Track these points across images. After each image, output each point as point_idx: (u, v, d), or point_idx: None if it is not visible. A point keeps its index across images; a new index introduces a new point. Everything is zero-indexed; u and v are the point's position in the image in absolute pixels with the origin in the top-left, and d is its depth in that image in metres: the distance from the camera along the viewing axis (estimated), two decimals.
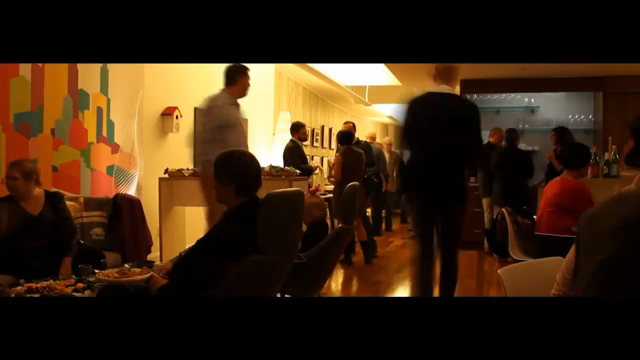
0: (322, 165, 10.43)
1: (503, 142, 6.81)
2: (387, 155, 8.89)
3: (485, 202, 6.74)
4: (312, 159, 10.50)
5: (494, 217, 4.56)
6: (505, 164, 6.17)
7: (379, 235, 8.43)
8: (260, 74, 8.02)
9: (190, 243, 5.68)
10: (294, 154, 6.52)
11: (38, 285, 2.64)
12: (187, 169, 5.20)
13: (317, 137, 11.17)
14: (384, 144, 9.38)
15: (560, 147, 6.16)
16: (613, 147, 6.01)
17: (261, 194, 2.33)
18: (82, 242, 3.82)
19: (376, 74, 9.24)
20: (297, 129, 6.76)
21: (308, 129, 10.59)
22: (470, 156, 3.50)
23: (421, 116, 3.42)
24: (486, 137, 7.07)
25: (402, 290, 4.98)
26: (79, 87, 4.67)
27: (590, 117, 7.47)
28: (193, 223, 5.62)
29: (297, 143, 6.69)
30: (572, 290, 1.41)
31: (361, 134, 15.84)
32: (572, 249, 1.45)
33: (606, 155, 6.04)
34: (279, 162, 6.49)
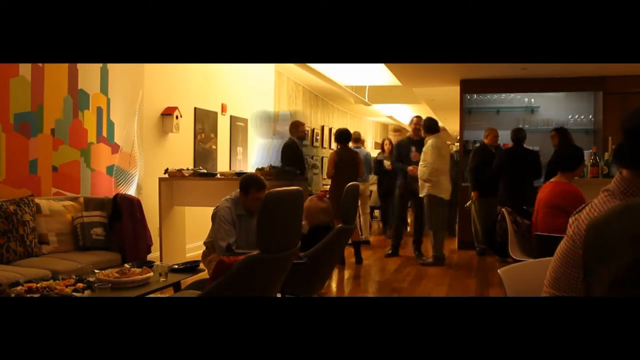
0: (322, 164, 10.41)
1: (504, 142, 6.83)
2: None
3: (480, 202, 6.72)
4: (313, 159, 10.50)
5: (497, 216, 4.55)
6: (513, 163, 6.16)
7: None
8: (260, 74, 8.03)
9: (190, 243, 5.70)
10: (292, 152, 6.54)
11: (38, 285, 2.64)
12: (187, 169, 5.20)
13: (317, 137, 11.17)
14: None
15: (560, 147, 6.18)
16: (613, 147, 6.00)
17: None
18: None
19: (376, 74, 9.24)
20: (296, 127, 6.78)
21: (308, 129, 10.59)
22: None
23: None
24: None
25: (402, 290, 4.98)
26: (79, 87, 4.68)
27: (590, 117, 7.47)
28: (193, 223, 5.62)
29: (295, 141, 6.70)
30: (566, 293, 1.40)
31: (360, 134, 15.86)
32: (559, 251, 1.45)
33: (606, 155, 6.04)
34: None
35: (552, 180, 3.85)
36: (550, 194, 3.68)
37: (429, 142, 6.05)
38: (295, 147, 6.61)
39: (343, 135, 6.28)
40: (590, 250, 1.14)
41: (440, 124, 6.92)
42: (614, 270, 1.02)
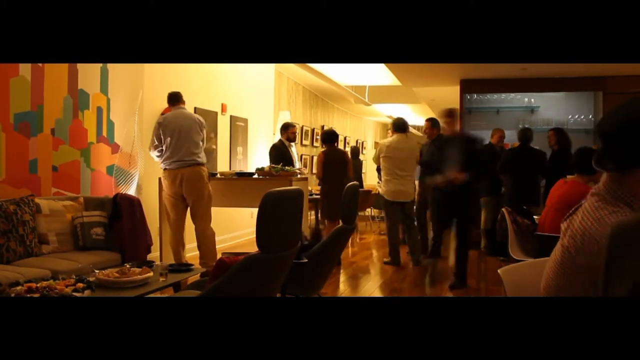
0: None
1: (504, 142, 6.85)
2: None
3: (483, 201, 6.74)
4: (312, 159, 10.49)
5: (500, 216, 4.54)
6: (519, 162, 6.16)
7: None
8: (260, 74, 8.03)
9: (190, 243, 5.69)
10: (278, 152, 6.53)
11: (38, 285, 2.64)
12: None
13: (317, 137, 11.16)
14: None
15: (557, 147, 6.20)
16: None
17: (261, 193, 2.34)
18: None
19: (376, 74, 9.24)
20: (285, 128, 6.78)
21: (308, 129, 10.58)
22: None
23: None
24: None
25: (402, 290, 4.98)
26: (79, 87, 4.67)
27: (590, 117, 7.47)
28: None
29: (283, 143, 6.70)
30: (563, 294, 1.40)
31: (360, 134, 15.87)
32: (555, 261, 1.43)
33: None
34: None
35: (568, 179, 3.81)
36: (567, 193, 3.64)
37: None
38: (282, 147, 6.62)
39: (330, 136, 6.28)
40: (616, 249, 1.11)
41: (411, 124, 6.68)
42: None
